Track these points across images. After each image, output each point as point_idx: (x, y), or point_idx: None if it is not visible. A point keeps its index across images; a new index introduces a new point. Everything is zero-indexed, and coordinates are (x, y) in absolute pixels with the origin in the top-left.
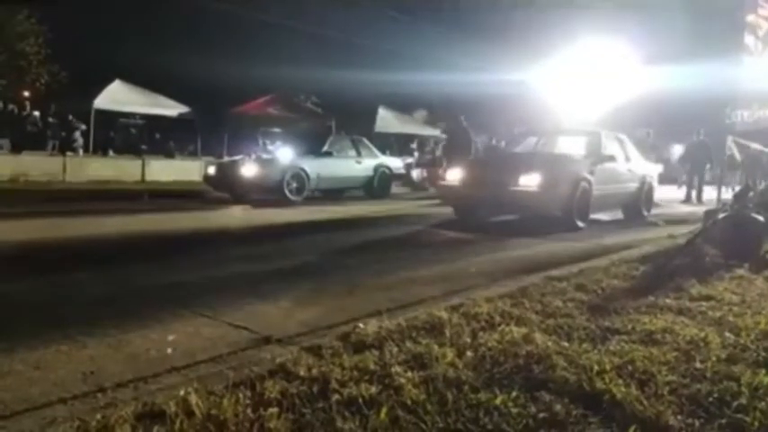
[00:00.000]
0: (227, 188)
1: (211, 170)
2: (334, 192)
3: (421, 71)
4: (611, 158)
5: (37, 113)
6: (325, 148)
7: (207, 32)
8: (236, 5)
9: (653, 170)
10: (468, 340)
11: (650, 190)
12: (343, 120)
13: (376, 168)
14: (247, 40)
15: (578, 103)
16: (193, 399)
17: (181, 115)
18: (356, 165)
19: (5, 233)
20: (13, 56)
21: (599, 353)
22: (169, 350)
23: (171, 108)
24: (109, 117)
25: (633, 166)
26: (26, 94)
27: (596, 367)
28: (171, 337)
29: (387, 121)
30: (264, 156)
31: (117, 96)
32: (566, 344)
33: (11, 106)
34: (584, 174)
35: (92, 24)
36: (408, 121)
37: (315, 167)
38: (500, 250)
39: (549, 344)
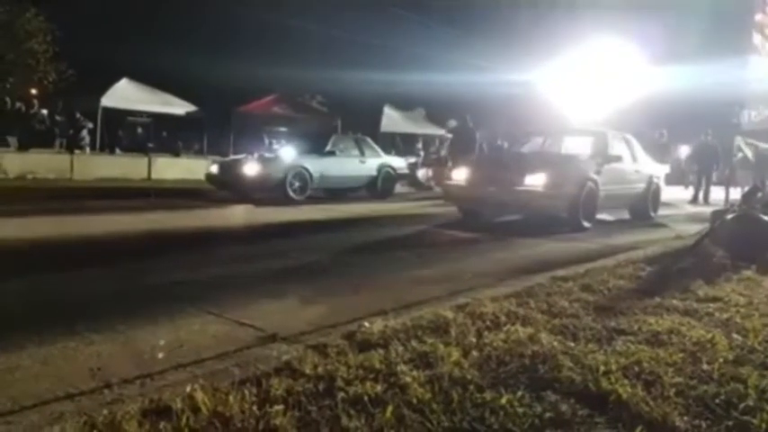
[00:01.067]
0: (229, 187)
1: (214, 169)
2: (337, 191)
3: (427, 71)
4: (618, 159)
5: (44, 111)
6: (329, 147)
7: (213, 31)
8: (242, 5)
9: (660, 170)
10: (474, 340)
11: (657, 190)
12: (349, 119)
13: (379, 168)
14: (253, 40)
15: (585, 103)
16: (199, 395)
17: (188, 114)
18: (360, 164)
19: (14, 230)
20: (21, 54)
21: (605, 353)
22: (175, 347)
23: (178, 106)
24: (116, 115)
25: (640, 166)
26: (34, 91)
27: (602, 367)
28: (177, 335)
29: (393, 120)
30: (267, 154)
31: (124, 94)
32: (571, 344)
33: (18, 104)
34: (591, 174)
35: (99, 22)
36: (414, 120)
37: (317, 166)
38: (505, 250)
39: (555, 344)
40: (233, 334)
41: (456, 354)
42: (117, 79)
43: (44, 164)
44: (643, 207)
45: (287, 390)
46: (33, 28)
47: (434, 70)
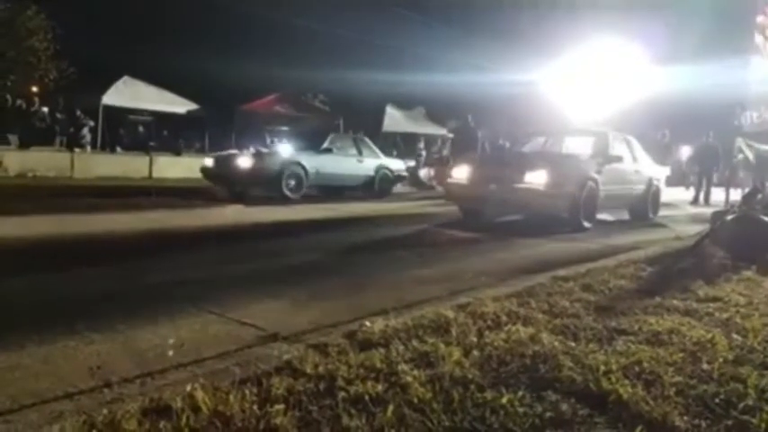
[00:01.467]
0: (224, 181)
1: (209, 162)
2: (333, 190)
3: (429, 71)
4: (619, 159)
5: (45, 109)
6: (326, 144)
7: (216, 30)
8: (245, 4)
9: (660, 172)
10: (475, 339)
11: (657, 191)
12: (351, 118)
13: (377, 169)
14: (255, 39)
15: (587, 103)
16: (200, 394)
17: (189, 112)
18: (357, 164)
19: (14, 229)
20: (22, 52)
21: (606, 353)
22: (176, 346)
23: (179, 105)
24: (117, 113)
25: (640, 167)
26: (35, 89)
27: (603, 367)
28: (178, 334)
29: (395, 120)
30: (263, 149)
31: (125, 93)
32: (572, 344)
33: (19, 102)
34: (591, 174)
35: (101, 20)
36: (416, 120)
37: (313, 163)
38: (506, 250)
39: (556, 344)
40: (234, 333)
41: (457, 353)
42: (118, 77)
43: (45, 162)
44: (643, 208)
45: (288, 389)
46: (34, 25)
47: (436, 70)
